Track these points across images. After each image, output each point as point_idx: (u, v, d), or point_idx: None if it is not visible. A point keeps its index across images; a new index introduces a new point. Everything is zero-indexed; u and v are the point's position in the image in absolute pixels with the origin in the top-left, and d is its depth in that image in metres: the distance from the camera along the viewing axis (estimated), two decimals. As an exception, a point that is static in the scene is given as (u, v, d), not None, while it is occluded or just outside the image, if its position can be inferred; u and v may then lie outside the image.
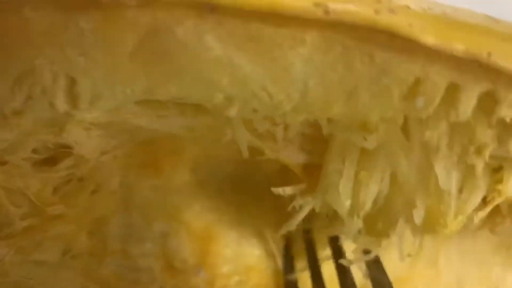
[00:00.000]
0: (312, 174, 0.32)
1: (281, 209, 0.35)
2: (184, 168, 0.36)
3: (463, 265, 0.38)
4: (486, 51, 0.22)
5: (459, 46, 0.22)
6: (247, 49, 0.23)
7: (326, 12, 0.21)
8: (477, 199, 0.29)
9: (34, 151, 0.28)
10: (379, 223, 0.31)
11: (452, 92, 0.24)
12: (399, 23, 0.22)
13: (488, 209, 0.30)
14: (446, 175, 0.27)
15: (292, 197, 0.33)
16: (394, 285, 0.31)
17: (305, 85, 0.24)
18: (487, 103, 0.24)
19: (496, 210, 0.32)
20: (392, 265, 0.33)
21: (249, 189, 0.38)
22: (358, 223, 0.30)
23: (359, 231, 0.32)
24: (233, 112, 0.26)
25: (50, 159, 0.29)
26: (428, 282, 0.38)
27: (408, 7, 0.23)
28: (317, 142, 0.31)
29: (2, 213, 0.28)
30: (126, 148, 0.32)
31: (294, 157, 0.32)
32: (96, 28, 0.22)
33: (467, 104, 0.24)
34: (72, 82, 0.25)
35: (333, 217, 0.33)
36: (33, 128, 0.26)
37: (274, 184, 0.33)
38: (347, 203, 0.30)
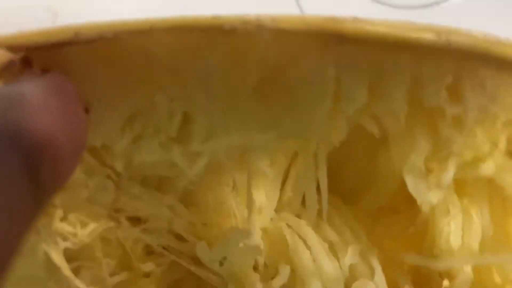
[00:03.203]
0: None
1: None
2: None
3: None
4: None
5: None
6: (366, 78, 0.24)
7: (448, 43, 0.23)
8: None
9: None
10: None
11: None
12: (510, 50, 0.23)
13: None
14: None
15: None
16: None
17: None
18: None
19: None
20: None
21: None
22: None
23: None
24: None
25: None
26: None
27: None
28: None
29: (96, 265, 0.26)
30: None
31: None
32: (224, 63, 0.23)
33: None
34: (187, 121, 0.25)
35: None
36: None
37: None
38: None
